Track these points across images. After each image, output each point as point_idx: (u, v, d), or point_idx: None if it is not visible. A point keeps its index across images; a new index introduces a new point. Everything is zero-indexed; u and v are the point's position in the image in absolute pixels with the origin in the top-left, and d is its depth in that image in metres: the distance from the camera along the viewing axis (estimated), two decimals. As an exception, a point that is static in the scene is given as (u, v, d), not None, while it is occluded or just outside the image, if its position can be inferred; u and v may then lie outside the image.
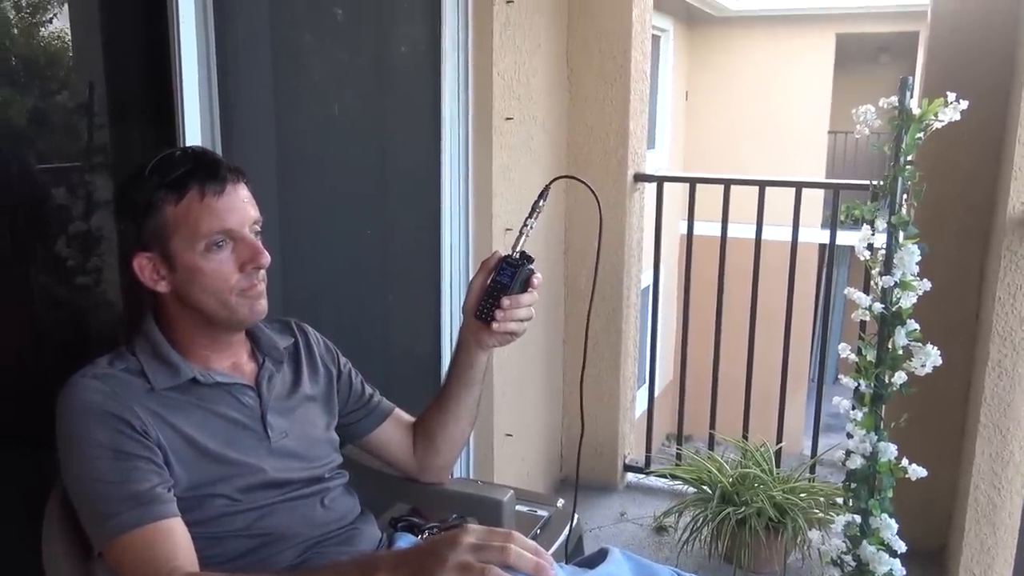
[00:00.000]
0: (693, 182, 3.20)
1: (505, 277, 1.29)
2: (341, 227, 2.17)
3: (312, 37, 2.08)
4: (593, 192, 1.42)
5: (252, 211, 1.21)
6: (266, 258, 1.20)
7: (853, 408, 2.12)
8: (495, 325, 1.30)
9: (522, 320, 1.31)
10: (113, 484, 1.07)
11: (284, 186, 1.89)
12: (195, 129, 1.57)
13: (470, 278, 2.51)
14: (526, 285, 1.30)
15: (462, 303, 1.36)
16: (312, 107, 2.05)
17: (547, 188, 1.33)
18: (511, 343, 1.36)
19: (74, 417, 1.11)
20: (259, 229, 1.23)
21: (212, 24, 1.58)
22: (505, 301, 1.28)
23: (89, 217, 1.59)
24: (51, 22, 1.52)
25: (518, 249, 1.31)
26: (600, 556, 1.23)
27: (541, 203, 1.33)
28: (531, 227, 1.31)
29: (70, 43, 1.55)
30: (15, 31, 1.50)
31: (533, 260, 1.30)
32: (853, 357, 2.12)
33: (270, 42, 1.87)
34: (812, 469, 2.89)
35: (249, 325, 1.27)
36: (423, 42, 2.41)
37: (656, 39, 9.08)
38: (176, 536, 1.08)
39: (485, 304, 1.31)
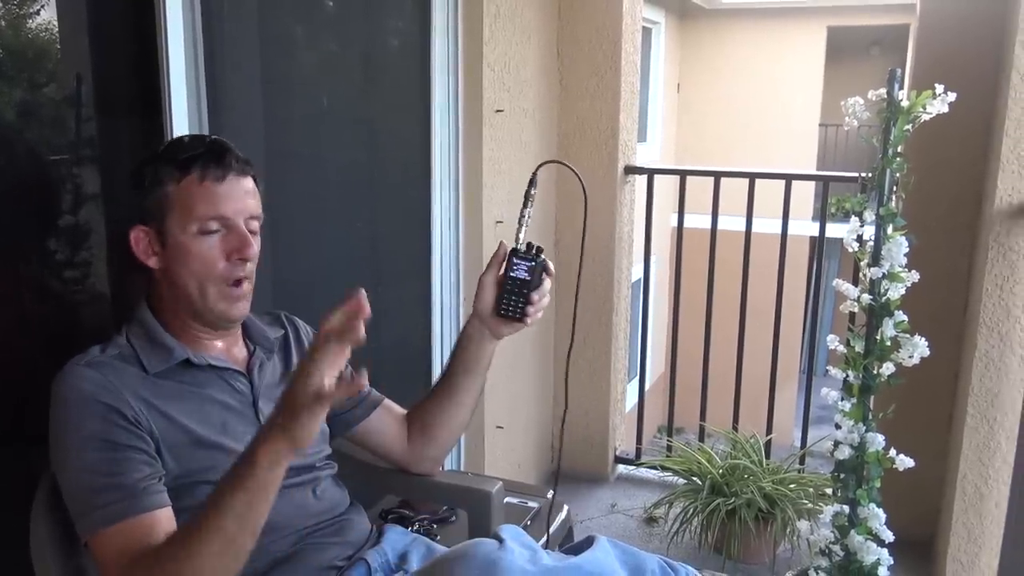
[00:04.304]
0: (683, 174, 3.21)
1: (522, 272, 1.32)
2: (330, 219, 2.17)
3: (301, 29, 2.07)
4: (578, 176, 1.44)
5: (252, 205, 1.22)
6: (252, 250, 1.21)
7: (841, 399, 2.13)
8: (529, 320, 1.34)
9: (544, 308, 1.36)
10: (102, 475, 1.08)
11: (272, 178, 1.87)
12: (183, 121, 1.56)
13: (460, 270, 2.54)
14: (543, 275, 1.34)
15: (474, 300, 1.38)
16: (301, 99, 2.05)
17: (535, 174, 1.36)
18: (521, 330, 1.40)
19: (66, 406, 1.11)
20: (257, 227, 1.24)
21: (199, 15, 1.57)
22: (535, 296, 1.33)
23: (77, 210, 1.58)
24: (38, 14, 1.51)
25: (521, 240, 1.33)
26: (587, 543, 1.24)
27: (532, 191, 1.36)
28: (528, 216, 1.35)
29: (57, 35, 1.54)
30: (2, 23, 1.49)
31: (543, 250, 1.33)
32: (842, 349, 2.13)
33: (258, 33, 1.86)
34: (801, 460, 2.90)
35: (226, 325, 1.27)
36: (413, 33, 2.40)
37: (647, 31, 9.08)
38: (164, 526, 1.07)
39: (510, 301, 1.33)
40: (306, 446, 0.95)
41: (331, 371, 0.91)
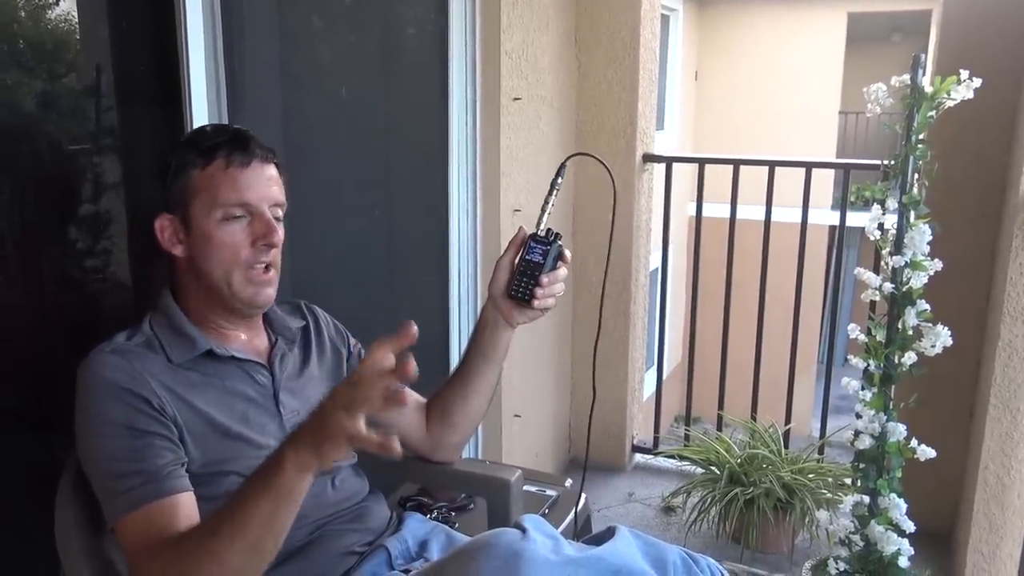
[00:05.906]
0: (702, 162, 3.18)
1: (536, 255, 1.32)
2: (348, 208, 2.17)
3: (319, 18, 2.07)
4: (607, 167, 1.43)
5: (275, 192, 1.23)
6: (278, 237, 1.21)
7: (862, 388, 2.11)
8: (536, 303, 1.33)
9: (556, 295, 1.34)
10: (125, 461, 1.08)
11: (291, 167, 1.85)
12: (202, 111, 1.57)
13: (478, 259, 2.54)
14: (557, 261, 1.33)
15: (489, 283, 1.38)
16: (319, 88, 2.04)
17: (563, 165, 1.36)
18: (537, 319, 1.39)
19: (91, 392, 1.12)
20: (280, 214, 1.24)
21: (218, 5, 1.57)
22: (544, 279, 1.32)
23: (98, 199, 1.59)
24: (58, 4, 1.51)
25: (542, 227, 1.33)
26: (608, 534, 1.23)
27: (559, 180, 1.36)
28: (552, 204, 1.35)
29: (77, 26, 1.55)
30: (22, 14, 1.50)
31: (561, 236, 1.33)
32: (863, 338, 2.11)
33: (277, 23, 1.86)
34: (821, 450, 2.89)
35: (252, 311, 1.27)
36: (430, 22, 2.39)
37: (665, 18, 9.01)
38: (187, 511, 1.09)
39: (520, 283, 1.33)
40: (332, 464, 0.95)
41: (370, 410, 0.89)
